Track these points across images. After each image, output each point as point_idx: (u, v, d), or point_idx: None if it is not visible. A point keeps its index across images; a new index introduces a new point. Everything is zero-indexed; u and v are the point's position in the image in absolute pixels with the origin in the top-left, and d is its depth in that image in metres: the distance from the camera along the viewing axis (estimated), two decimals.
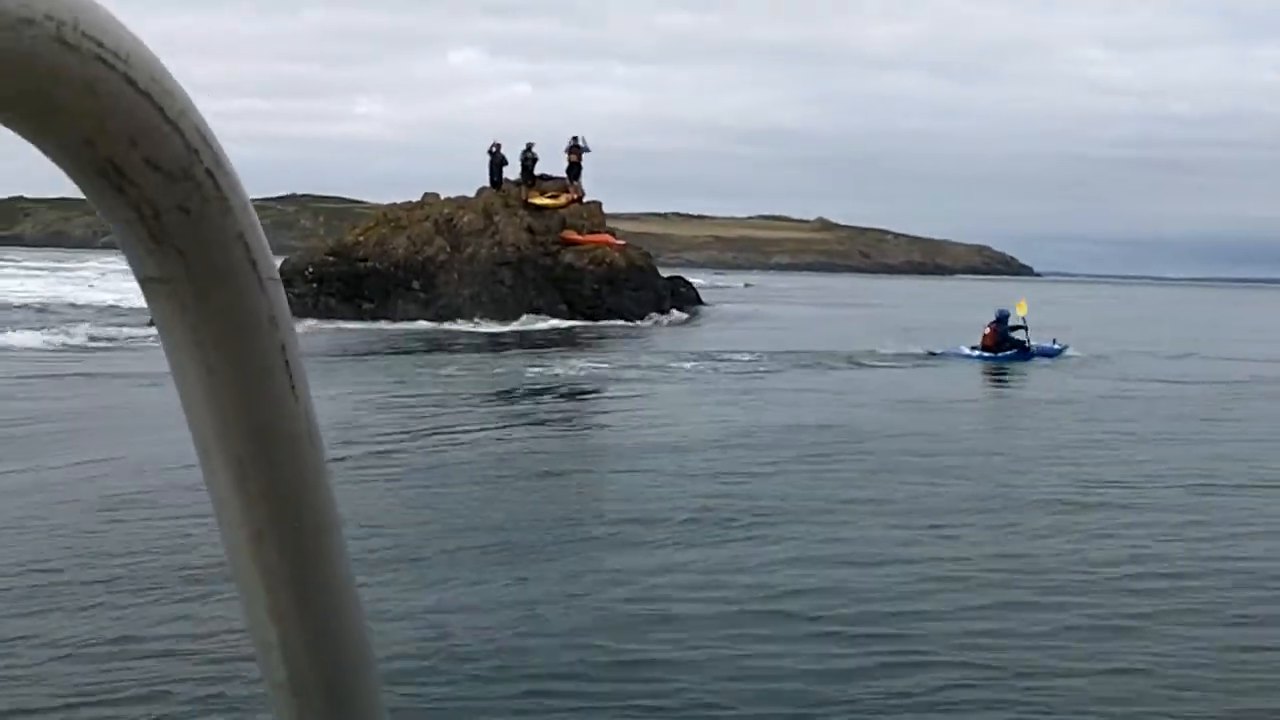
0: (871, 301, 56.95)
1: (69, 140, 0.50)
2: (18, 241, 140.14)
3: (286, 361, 0.59)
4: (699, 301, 41.58)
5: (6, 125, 0.49)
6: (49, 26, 0.46)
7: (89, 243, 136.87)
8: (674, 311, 37.19)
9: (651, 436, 14.07)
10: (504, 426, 15.42)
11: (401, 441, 13.57)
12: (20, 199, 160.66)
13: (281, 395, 0.58)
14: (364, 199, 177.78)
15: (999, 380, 21.57)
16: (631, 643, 6.48)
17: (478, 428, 14.97)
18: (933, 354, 24.24)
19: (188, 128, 0.53)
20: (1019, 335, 23.87)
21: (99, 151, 0.51)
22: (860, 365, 22.94)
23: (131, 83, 0.50)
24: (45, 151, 0.51)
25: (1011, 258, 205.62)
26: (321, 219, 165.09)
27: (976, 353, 23.65)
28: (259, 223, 0.57)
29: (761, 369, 22.13)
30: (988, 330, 23.83)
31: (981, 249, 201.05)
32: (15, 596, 7.16)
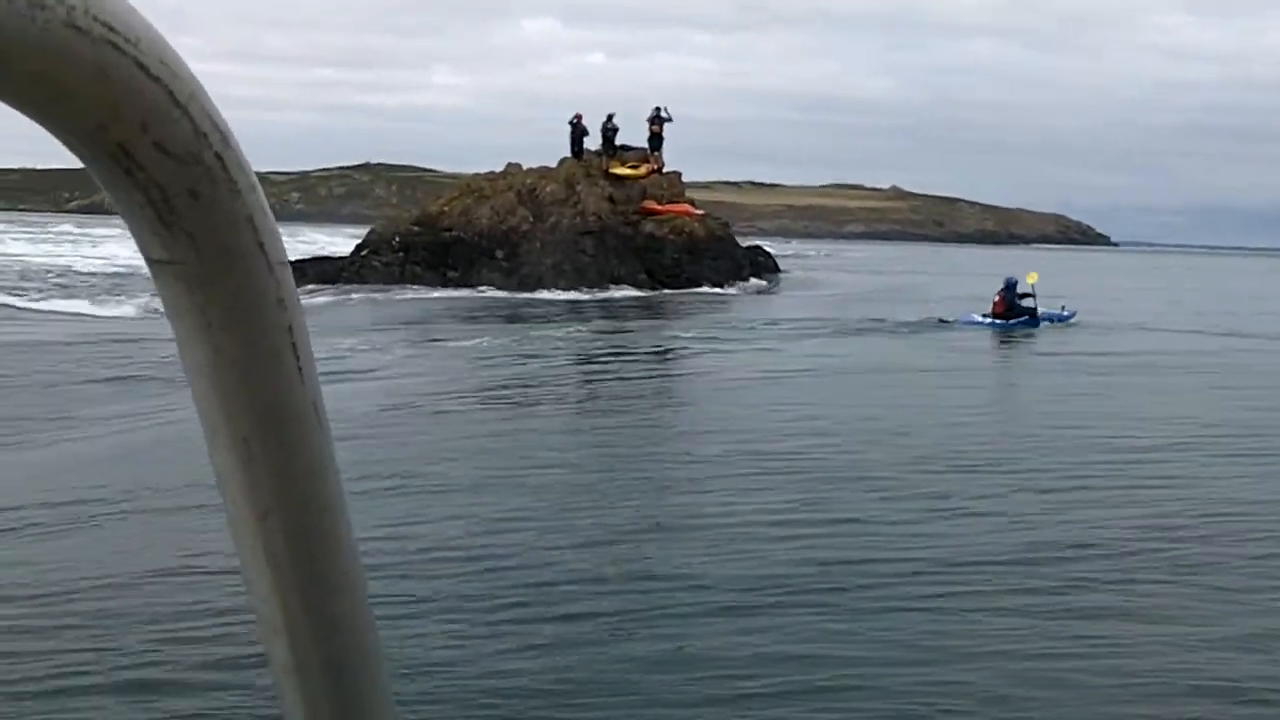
0: (950, 270, 56.55)
1: (80, 124, 0.51)
2: (99, 210, 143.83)
3: (294, 343, 0.60)
4: (777, 269, 41.86)
5: (18, 109, 0.49)
6: (60, 10, 0.46)
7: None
8: (753, 279, 37.54)
9: (727, 398, 14.59)
10: (589, 383, 16.30)
11: (486, 401, 14.22)
12: None
13: (289, 376, 0.60)
14: (437, 168, 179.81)
15: (1026, 347, 21.90)
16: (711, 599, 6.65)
17: (563, 389, 15.75)
18: (943, 321, 24.58)
19: (197, 112, 0.53)
20: (1028, 303, 24.19)
21: (110, 135, 0.51)
22: (918, 332, 23.11)
23: (143, 67, 0.50)
24: (55, 134, 0.51)
25: (1088, 227, 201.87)
26: (394, 188, 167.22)
27: (988, 320, 23.99)
28: (267, 205, 0.58)
29: (834, 333, 22.63)
30: (997, 298, 24.26)
31: (1057, 218, 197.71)
32: None
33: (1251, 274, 69.10)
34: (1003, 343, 22.31)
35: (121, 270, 40.64)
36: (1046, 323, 24.12)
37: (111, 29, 0.49)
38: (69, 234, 72.31)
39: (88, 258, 48.70)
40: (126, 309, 28.43)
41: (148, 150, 0.52)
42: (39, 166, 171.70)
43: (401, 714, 0.69)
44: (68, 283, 36.59)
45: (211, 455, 0.60)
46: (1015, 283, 24.20)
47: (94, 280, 37.88)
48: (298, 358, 0.60)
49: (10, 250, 51.81)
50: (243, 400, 0.59)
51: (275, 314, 0.58)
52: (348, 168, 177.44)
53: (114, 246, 51.53)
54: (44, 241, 62.57)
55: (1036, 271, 25.14)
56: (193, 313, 0.57)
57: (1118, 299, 35.28)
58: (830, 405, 13.66)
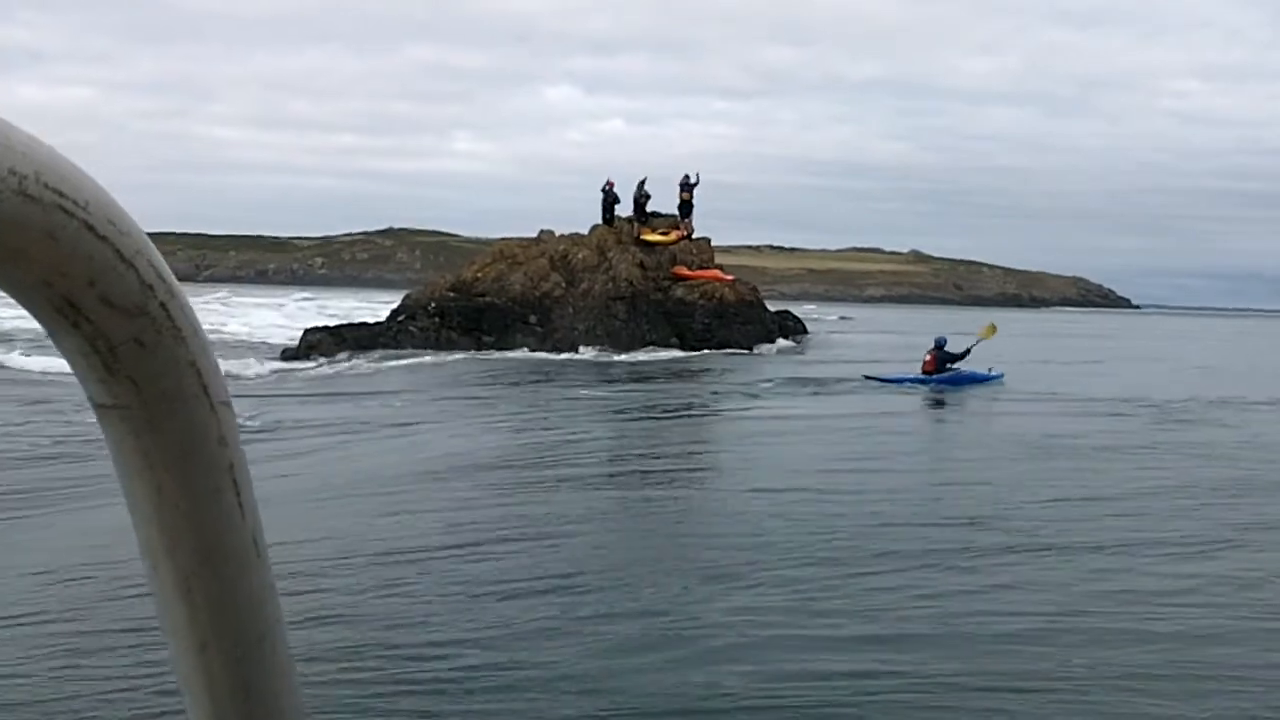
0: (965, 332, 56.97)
1: (27, 281, 0.52)
2: None
3: (234, 480, 0.60)
4: (805, 331, 42.46)
5: None
6: (12, 181, 0.48)
7: (191, 276, 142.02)
8: (780, 340, 38.10)
9: (751, 453, 15.31)
10: (619, 440, 16.99)
11: (521, 457, 14.82)
12: None
13: (229, 512, 0.60)
14: (459, 232, 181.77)
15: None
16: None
17: (595, 445, 16.39)
18: (868, 378, 25.22)
19: (143, 266, 0.55)
20: (957, 363, 24.98)
21: (56, 291, 0.52)
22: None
23: (90, 228, 0.52)
24: (4, 288, 0.52)
25: (1109, 290, 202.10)
26: (418, 252, 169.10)
27: (914, 376, 24.79)
28: (211, 348, 0.60)
29: (857, 390, 23.29)
30: (928, 357, 25.08)
31: (1078, 281, 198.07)
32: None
33: (1254, 336, 69.09)
34: (934, 401, 22.85)
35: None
36: (973, 383, 24.49)
37: (61, 194, 0.51)
38: None
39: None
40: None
41: (94, 304, 0.54)
42: None
43: None
44: None
45: (152, 589, 0.62)
46: (944, 341, 25.14)
47: None
48: (238, 494, 0.62)
49: None
50: (184, 537, 0.60)
51: (217, 452, 0.60)
52: (371, 232, 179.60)
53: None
54: None
55: (995, 323, 26.11)
56: (136, 454, 0.58)
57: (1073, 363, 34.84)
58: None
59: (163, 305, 0.56)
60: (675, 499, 12.06)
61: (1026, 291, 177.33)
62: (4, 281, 0.52)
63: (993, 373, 25.25)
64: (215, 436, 0.59)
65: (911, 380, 24.57)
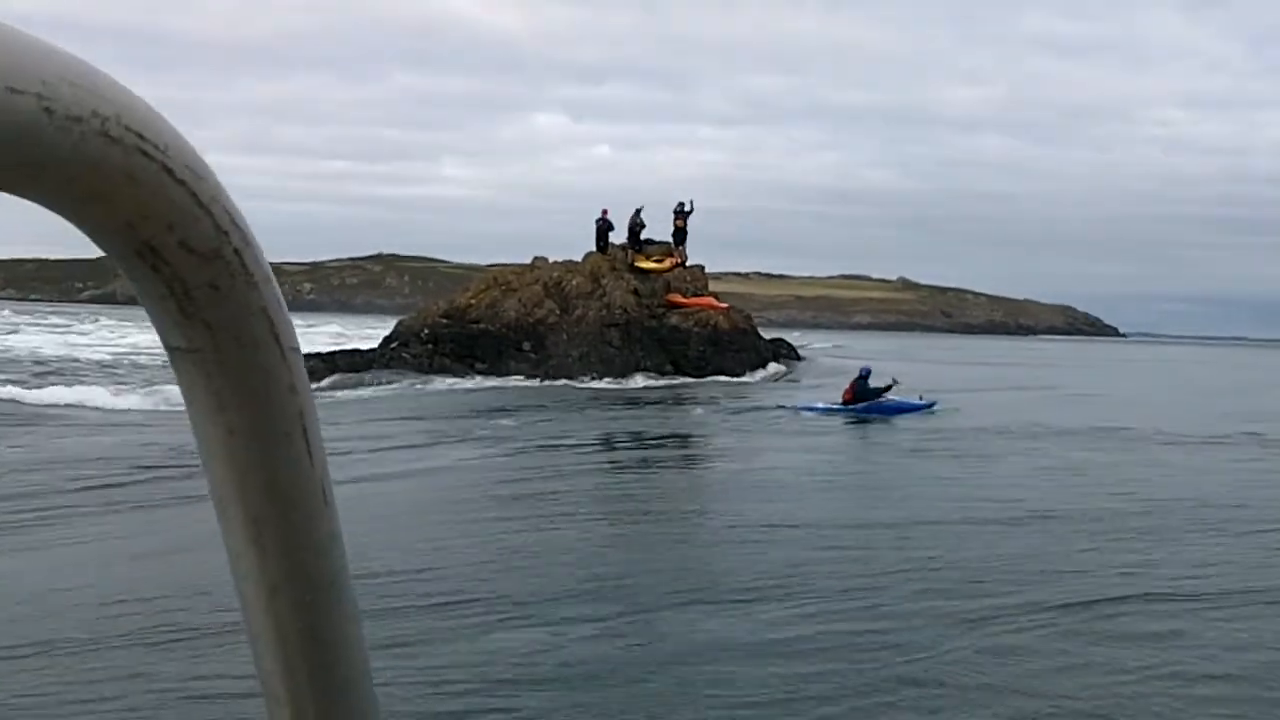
0: (951, 360, 57.08)
1: (110, 224, 0.54)
2: (110, 299, 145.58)
3: (304, 427, 0.62)
4: (797, 358, 42.43)
5: (54, 210, 0.52)
6: (95, 122, 0.50)
7: None
8: (772, 365, 38.06)
9: (743, 474, 15.58)
10: (614, 468, 16.95)
11: (513, 483, 14.91)
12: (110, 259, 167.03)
13: (299, 459, 0.62)
14: (447, 258, 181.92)
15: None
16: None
17: (587, 471, 16.46)
18: (781, 407, 25.37)
19: (219, 212, 0.56)
20: (878, 388, 24.85)
21: (137, 234, 0.54)
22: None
23: (169, 171, 0.53)
24: (86, 232, 0.54)
25: (1096, 318, 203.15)
26: (406, 278, 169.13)
27: (836, 406, 24.83)
28: (282, 297, 0.61)
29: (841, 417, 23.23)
30: (848, 387, 25.29)
31: (1065, 309, 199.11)
32: None
33: (1225, 365, 68.62)
34: (850, 425, 23.05)
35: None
36: (903, 412, 24.21)
37: (142, 137, 0.52)
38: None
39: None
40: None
41: (172, 248, 0.55)
42: (52, 256, 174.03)
43: None
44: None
45: (224, 533, 0.63)
46: (869, 373, 25.33)
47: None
48: (307, 441, 0.63)
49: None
50: (253, 481, 0.61)
51: (287, 399, 0.61)
52: (360, 258, 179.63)
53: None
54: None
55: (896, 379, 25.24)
56: (209, 397, 0.60)
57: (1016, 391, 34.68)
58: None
59: (236, 251, 0.57)
60: (667, 526, 12.13)
61: (1014, 319, 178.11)
62: (88, 225, 0.54)
63: (923, 400, 25.02)
64: (286, 383, 0.60)
65: (827, 409, 24.75)
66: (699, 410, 26.08)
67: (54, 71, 0.48)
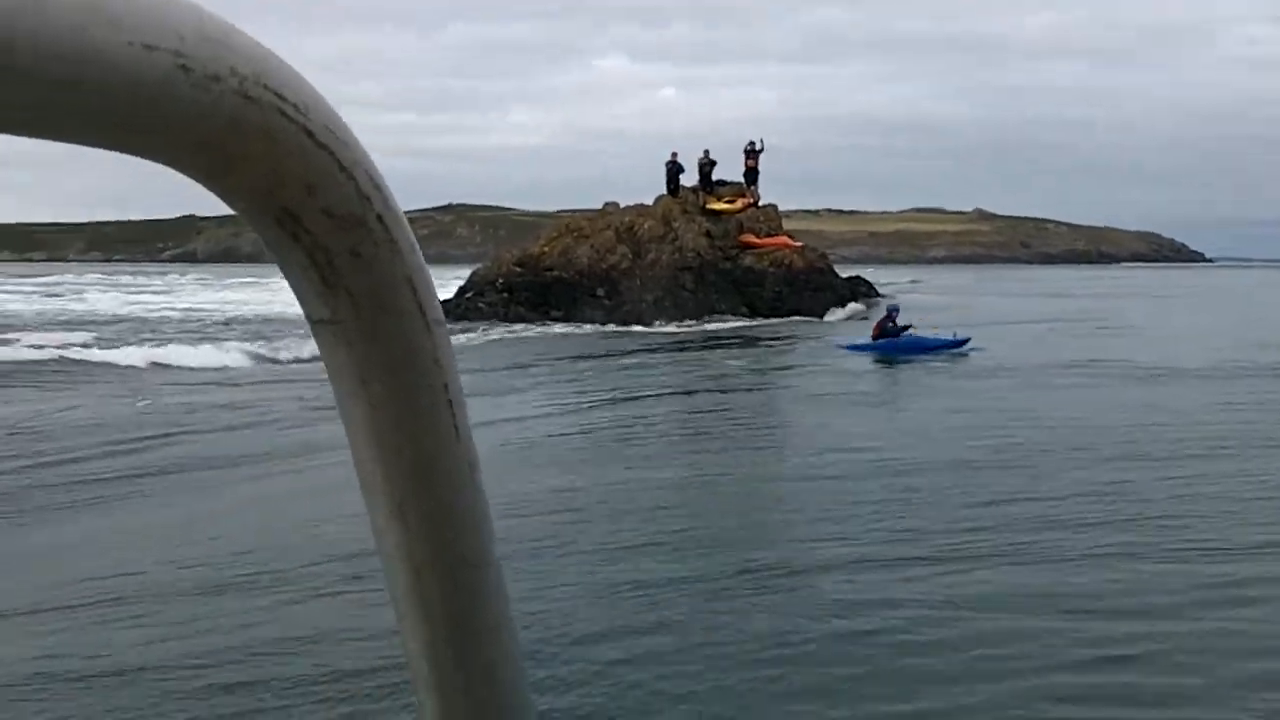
0: (1020, 293, 55.80)
1: (249, 189, 0.52)
2: (192, 258, 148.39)
3: (450, 401, 0.61)
4: (876, 295, 41.80)
5: (190, 175, 0.51)
6: (233, 81, 0.48)
7: (257, 257, 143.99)
8: (852, 304, 37.54)
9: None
10: (691, 409, 17.15)
11: (596, 428, 15.11)
12: (193, 217, 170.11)
13: (444, 433, 0.61)
14: (517, 206, 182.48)
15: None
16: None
17: (668, 414, 16.60)
18: (839, 347, 25.19)
19: (361, 176, 0.55)
20: (899, 330, 24.48)
21: (276, 200, 0.53)
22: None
23: (310, 134, 0.52)
24: (225, 199, 0.53)
25: (1181, 244, 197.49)
26: (477, 227, 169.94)
27: (867, 343, 24.54)
28: (426, 266, 0.59)
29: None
30: (875, 325, 25.03)
31: (1149, 236, 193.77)
32: None
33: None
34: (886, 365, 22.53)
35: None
36: (937, 349, 23.58)
37: (281, 97, 0.51)
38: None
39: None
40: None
41: (314, 214, 0.54)
42: (134, 218, 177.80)
43: None
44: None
45: (368, 509, 0.62)
46: (897, 310, 25.15)
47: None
48: (453, 414, 0.61)
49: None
50: (399, 457, 0.60)
51: (432, 371, 0.60)
52: (430, 209, 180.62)
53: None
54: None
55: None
56: (352, 370, 0.58)
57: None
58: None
59: (379, 217, 0.56)
60: (750, 466, 12.28)
61: (1095, 248, 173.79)
62: (225, 190, 0.52)
63: (956, 337, 24.10)
64: (430, 355, 0.59)
65: (858, 347, 24.48)
66: (762, 352, 25.89)
67: (191, 27, 0.47)
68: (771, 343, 27.94)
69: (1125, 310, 40.70)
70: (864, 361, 23.06)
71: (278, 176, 0.52)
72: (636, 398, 18.54)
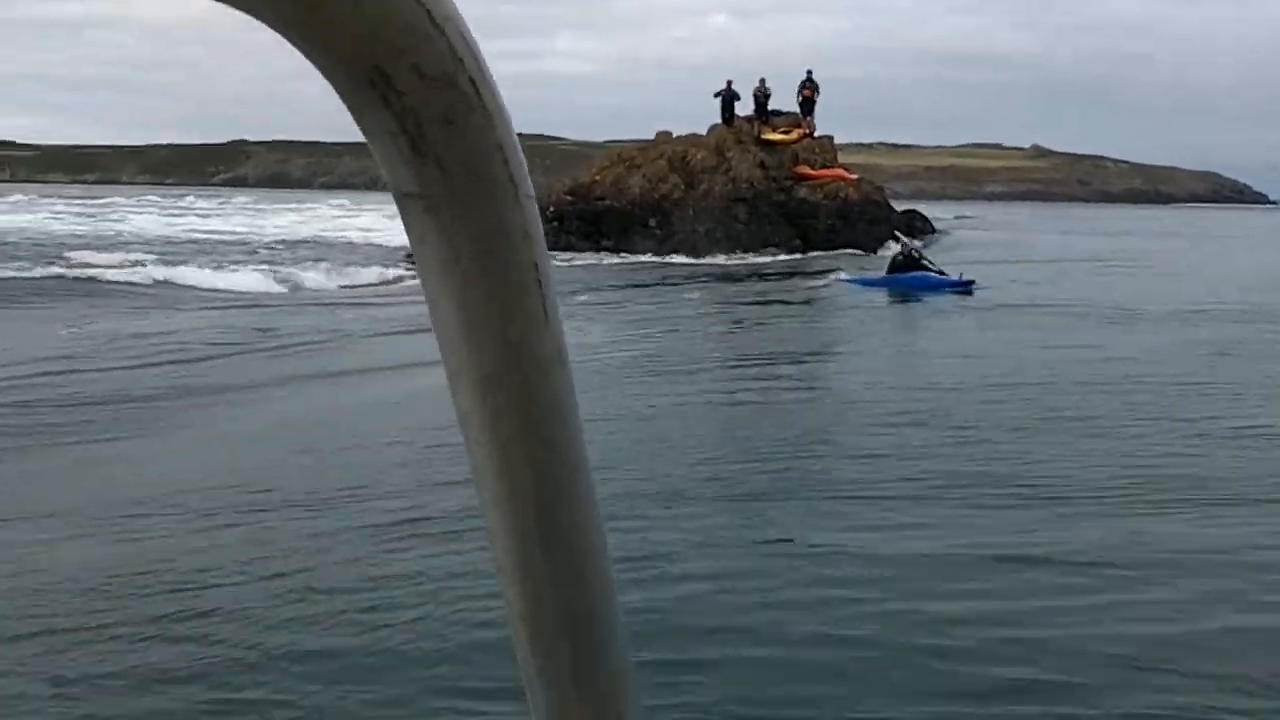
0: (1094, 232, 54.73)
1: (339, 45, 0.50)
2: (242, 182, 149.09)
3: (540, 281, 0.59)
4: (932, 230, 41.13)
5: (279, 31, 0.50)
6: None
7: (306, 182, 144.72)
8: (906, 239, 36.94)
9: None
10: (741, 340, 17.15)
11: (649, 356, 15.35)
12: (243, 142, 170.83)
13: (533, 314, 0.59)
14: (566, 135, 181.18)
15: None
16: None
17: (718, 345, 16.94)
18: (841, 280, 25.15)
19: (453, 33, 0.52)
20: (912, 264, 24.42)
21: (368, 58, 0.51)
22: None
23: None
24: (313, 58, 0.51)
25: (1244, 185, 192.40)
26: (526, 157, 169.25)
27: (879, 277, 24.55)
28: (516, 135, 0.57)
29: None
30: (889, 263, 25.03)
31: (1210, 176, 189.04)
32: None
33: None
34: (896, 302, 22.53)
35: None
36: (940, 289, 23.29)
37: None
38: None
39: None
40: None
41: (405, 74, 0.51)
42: (185, 142, 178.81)
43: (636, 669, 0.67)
44: None
45: (452, 391, 0.60)
46: (911, 249, 25.18)
47: None
48: (543, 294, 0.58)
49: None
50: (487, 337, 0.57)
51: (522, 248, 0.57)
52: None
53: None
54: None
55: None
56: (440, 246, 0.56)
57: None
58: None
59: (472, 80, 0.53)
60: (799, 400, 12.61)
61: (1154, 187, 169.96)
62: (316, 50, 0.50)
63: (962, 278, 23.65)
64: (521, 230, 0.57)
65: (868, 282, 24.61)
66: (817, 284, 25.71)
67: None
68: (818, 276, 27.63)
69: (1188, 251, 39.90)
70: (879, 297, 23.11)
71: (369, 32, 0.50)
72: (677, 330, 18.56)
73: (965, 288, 23.29)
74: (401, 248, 38.20)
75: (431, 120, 0.53)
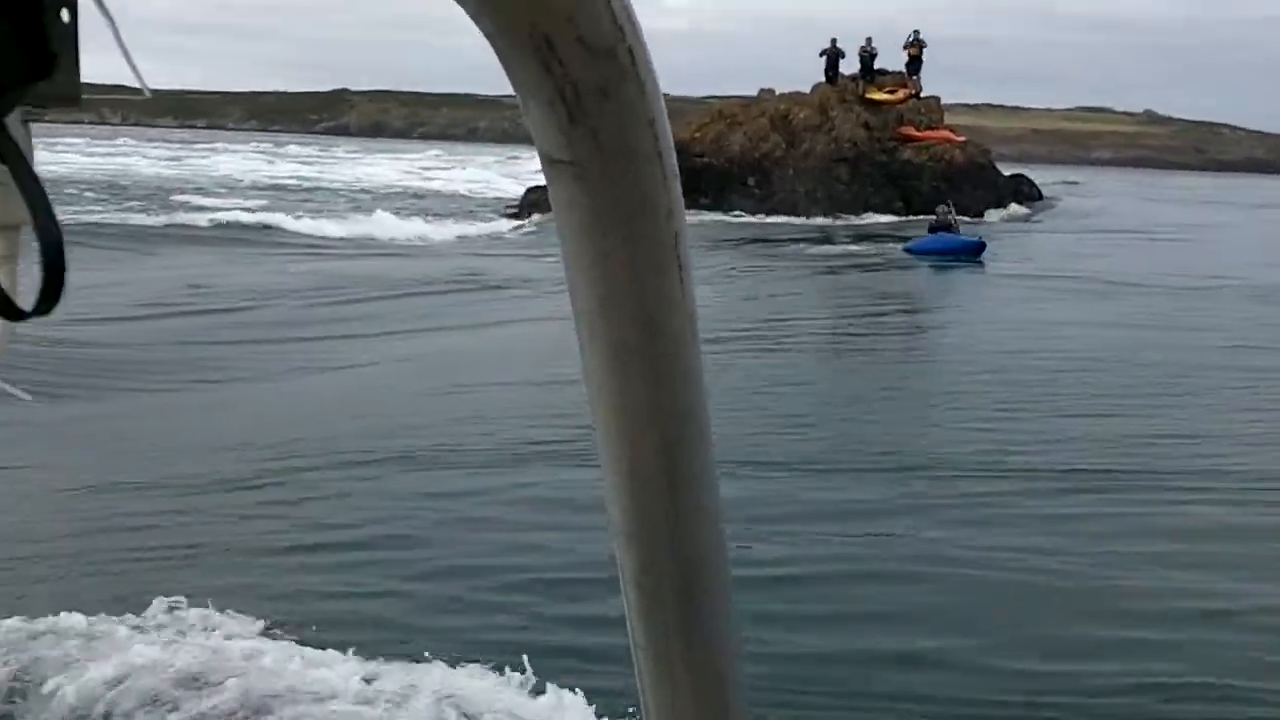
0: (1208, 200, 52.62)
1: (513, 13, 0.50)
2: (344, 131, 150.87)
3: (678, 256, 0.59)
4: (1040, 197, 39.91)
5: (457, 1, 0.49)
6: None
7: (406, 133, 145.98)
8: (1013, 206, 36.01)
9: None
10: (837, 306, 17.34)
11: (742, 317, 15.46)
12: (345, 91, 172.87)
13: (670, 287, 0.59)
14: (666, 90, 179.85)
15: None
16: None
17: (813, 310, 17.03)
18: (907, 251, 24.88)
19: (616, 4, 0.52)
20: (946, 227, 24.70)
21: (538, 27, 0.50)
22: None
23: None
24: (481, 24, 0.51)
25: None
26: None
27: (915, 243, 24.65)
28: (666, 112, 0.57)
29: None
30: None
31: None
32: None
33: None
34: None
35: None
36: (953, 251, 23.49)
37: None
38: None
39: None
40: None
41: (570, 43, 0.51)
42: (291, 89, 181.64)
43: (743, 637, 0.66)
44: None
45: (585, 356, 0.60)
46: (944, 210, 25.38)
47: None
48: (681, 269, 0.59)
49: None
50: (624, 306, 0.58)
51: (664, 225, 0.57)
52: None
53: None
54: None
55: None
56: (586, 215, 0.56)
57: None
58: None
59: (630, 51, 0.53)
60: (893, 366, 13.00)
61: (1277, 156, 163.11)
62: (482, 11, 0.51)
63: (977, 239, 24.21)
64: (665, 207, 0.57)
65: (915, 249, 24.54)
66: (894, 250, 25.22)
67: None
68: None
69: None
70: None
71: (540, 2, 0.50)
72: (772, 295, 18.40)
73: (973, 254, 23.56)
74: (500, 199, 38.37)
75: (589, 91, 0.53)
